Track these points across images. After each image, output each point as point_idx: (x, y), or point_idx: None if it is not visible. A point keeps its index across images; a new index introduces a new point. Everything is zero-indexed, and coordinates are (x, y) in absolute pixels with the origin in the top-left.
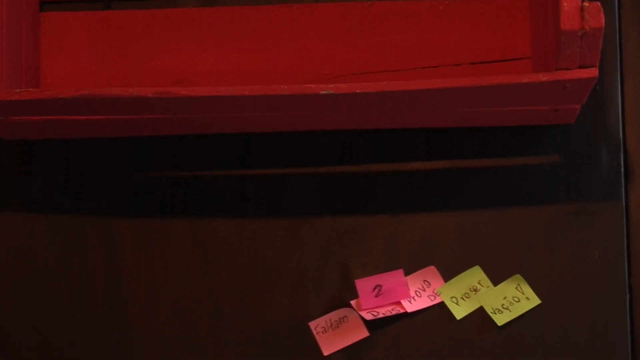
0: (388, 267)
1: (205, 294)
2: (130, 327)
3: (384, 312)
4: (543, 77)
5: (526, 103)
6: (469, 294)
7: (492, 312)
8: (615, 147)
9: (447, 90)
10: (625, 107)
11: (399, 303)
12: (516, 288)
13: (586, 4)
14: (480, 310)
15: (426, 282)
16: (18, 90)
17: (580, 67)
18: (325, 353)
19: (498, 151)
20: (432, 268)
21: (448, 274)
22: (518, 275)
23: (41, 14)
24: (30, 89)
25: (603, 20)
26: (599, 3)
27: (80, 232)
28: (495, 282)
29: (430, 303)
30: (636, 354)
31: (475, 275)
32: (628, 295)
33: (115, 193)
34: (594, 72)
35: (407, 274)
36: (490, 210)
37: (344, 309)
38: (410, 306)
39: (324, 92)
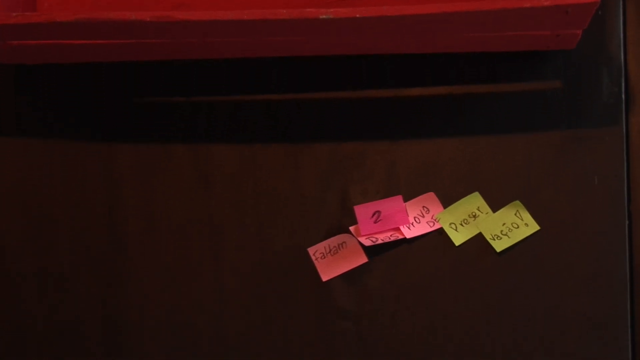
0: (387, 193)
1: (205, 220)
2: (129, 255)
3: (383, 238)
4: (545, 2)
5: (528, 28)
6: (468, 220)
7: (490, 239)
8: (616, 72)
9: (448, 15)
10: (627, 32)
11: (397, 229)
12: (515, 214)
13: None
14: (479, 237)
15: (425, 209)
16: (15, 14)
17: None
18: (324, 279)
19: (498, 77)
20: (431, 194)
21: (447, 200)
22: (517, 202)
23: None
24: (28, 13)
25: None
26: None
27: (79, 159)
28: (495, 208)
29: (429, 229)
30: (634, 279)
31: (474, 202)
32: (627, 222)
33: (115, 119)
34: None
35: (406, 200)
36: (489, 136)
37: (343, 235)
38: (409, 232)
39: (324, 16)
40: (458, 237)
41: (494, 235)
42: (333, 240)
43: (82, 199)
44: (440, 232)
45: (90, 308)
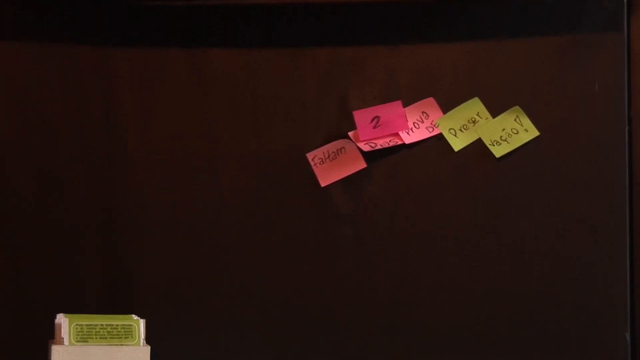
0: (386, 99)
1: (203, 125)
2: (127, 159)
3: (382, 143)
4: None
5: None
6: (468, 126)
7: (490, 144)
8: None
9: None
10: None
11: (397, 134)
12: (515, 120)
13: None
14: (479, 142)
15: (424, 114)
16: None
17: None
18: (323, 184)
19: None
20: (431, 99)
21: (446, 106)
22: (517, 107)
23: None
24: None
25: None
26: None
27: (76, 63)
28: (494, 114)
29: (428, 134)
30: (633, 183)
31: (474, 107)
32: (627, 127)
33: (113, 22)
34: None
35: (405, 105)
36: (490, 41)
37: (342, 140)
38: (408, 138)
39: None
40: (457, 143)
41: (494, 140)
42: (332, 146)
43: (80, 103)
44: (440, 137)
45: (89, 210)
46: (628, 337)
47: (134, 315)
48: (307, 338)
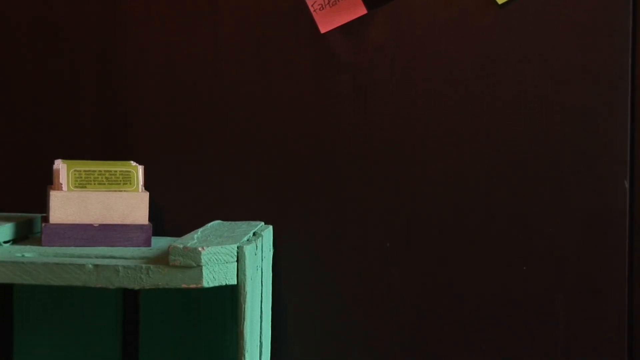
0: None
1: None
2: (126, 7)
3: None
4: None
5: None
6: None
7: None
8: None
9: None
10: None
11: None
12: None
13: None
14: None
15: None
16: None
17: None
18: (322, 30)
19: None
20: None
21: None
22: None
23: None
24: None
25: None
26: None
27: None
28: None
29: None
30: (636, 30)
31: None
32: None
33: None
34: None
35: None
36: None
37: None
38: None
39: None
40: None
41: None
42: None
43: None
44: None
45: (87, 56)
46: (627, 185)
47: (132, 162)
48: (305, 182)
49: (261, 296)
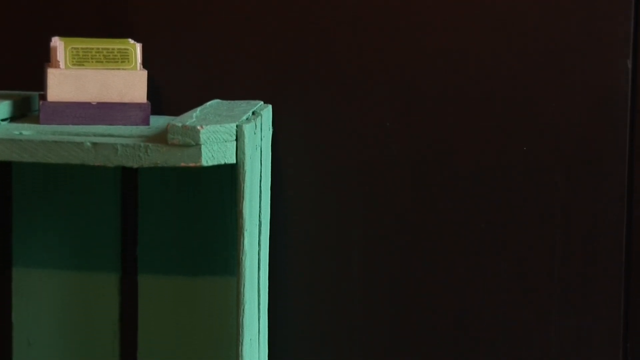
0: None
1: None
2: None
3: None
4: None
5: None
6: None
7: None
8: None
9: None
10: None
11: None
12: None
13: None
14: None
15: None
16: None
17: None
18: None
19: None
20: None
21: None
22: None
23: None
24: None
25: None
26: None
27: None
28: None
29: None
30: None
31: None
32: None
33: None
34: None
35: None
36: None
37: None
38: None
39: None
40: None
41: None
42: None
43: None
44: None
45: None
46: (629, 65)
47: (130, 40)
48: (305, 60)
49: (260, 175)
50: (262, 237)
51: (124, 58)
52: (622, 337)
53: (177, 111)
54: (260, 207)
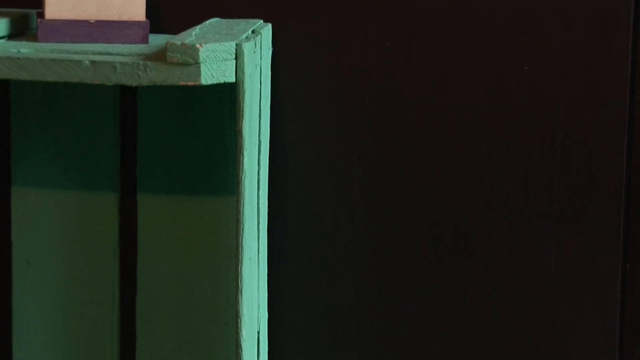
0: None
1: None
2: None
3: None
4: None
5: None
6: None
7: None
8: None
9: None
10: None
11: None
12: None
13: None
14: None
15: None
16: None
17: None
18: None
19: None
20: None
21: None
22: None
23: None
24: None
25: None
26: None
27: None
28: None
29: None
30: None
31: None
32: None
33: None
34: None
35: None
36: None
37: None
38: None
39: None
40: None
41: None
42: None
43: None
44: None
45: None
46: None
47: None
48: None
49: (260, 95)
50: (261, 157)
51: None
52: (621, 259)
53: (176, 30)
54: (259, 126)
